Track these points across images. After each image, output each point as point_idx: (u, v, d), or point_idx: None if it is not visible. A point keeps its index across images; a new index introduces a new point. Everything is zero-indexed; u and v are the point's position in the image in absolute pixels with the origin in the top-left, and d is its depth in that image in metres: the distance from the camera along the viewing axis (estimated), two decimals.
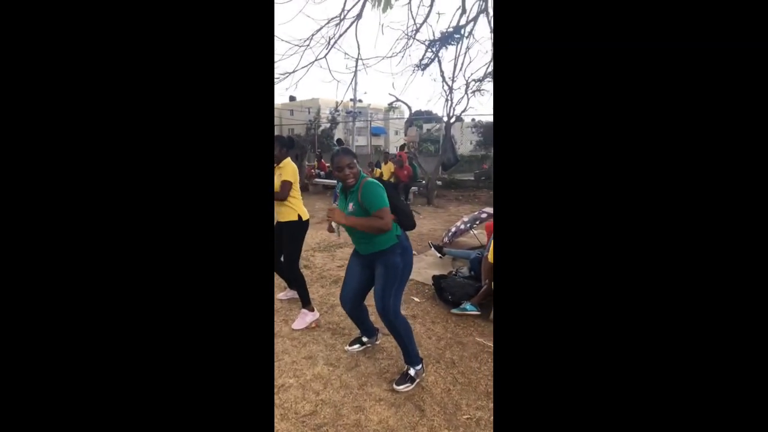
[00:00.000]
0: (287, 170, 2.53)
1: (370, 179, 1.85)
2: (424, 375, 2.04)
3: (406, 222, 1.99)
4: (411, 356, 1.99)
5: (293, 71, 3.47)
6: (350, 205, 1.85)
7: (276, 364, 2.13)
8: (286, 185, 2.50)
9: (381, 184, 1.85)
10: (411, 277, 3.44)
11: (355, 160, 1.85)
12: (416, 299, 3.08)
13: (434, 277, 3.15)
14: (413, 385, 1.95)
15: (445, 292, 2.95)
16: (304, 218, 2.60)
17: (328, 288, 3.29)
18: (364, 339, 2.30)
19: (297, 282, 2.63)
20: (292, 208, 2.56)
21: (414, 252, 4.12)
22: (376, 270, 1.94)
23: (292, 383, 1.97)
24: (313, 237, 4.88)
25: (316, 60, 3.48)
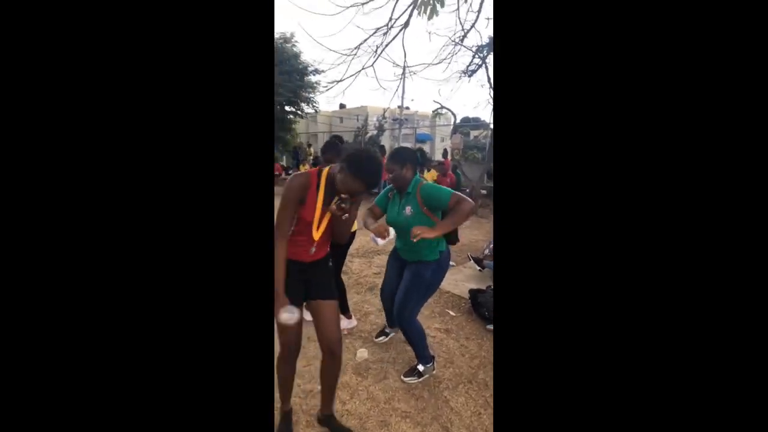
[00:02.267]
0: None
1: (425, 182, 1.88)
2: (434, 373, 2.12)
3: (450, 235, 1.99)
4: (421, 356, 2.06)
5: (341, 80, 3.56)
6: (407, 209, 1.87)
7: (307, 368, 2.12)
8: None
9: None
10: (447, 289, 3.38)
11: (408, 164, 1.85)
12: (451, 313, 2.98)
13: (471, 291, 3.04)
14: (419, 380, 2.04)
15: (482, 307, 2.84)
16: (355, 229, 2.46)
17: (363, 295, 3.27)
18: (387, 330, 2.48)
19: (338, 289, 2.51)
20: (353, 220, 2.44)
21: (452, 263, 4.08)
22: (405, 274, 1.99)
23: (319, 390, 1.96)
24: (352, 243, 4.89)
25: (362, 69, 3.52)
